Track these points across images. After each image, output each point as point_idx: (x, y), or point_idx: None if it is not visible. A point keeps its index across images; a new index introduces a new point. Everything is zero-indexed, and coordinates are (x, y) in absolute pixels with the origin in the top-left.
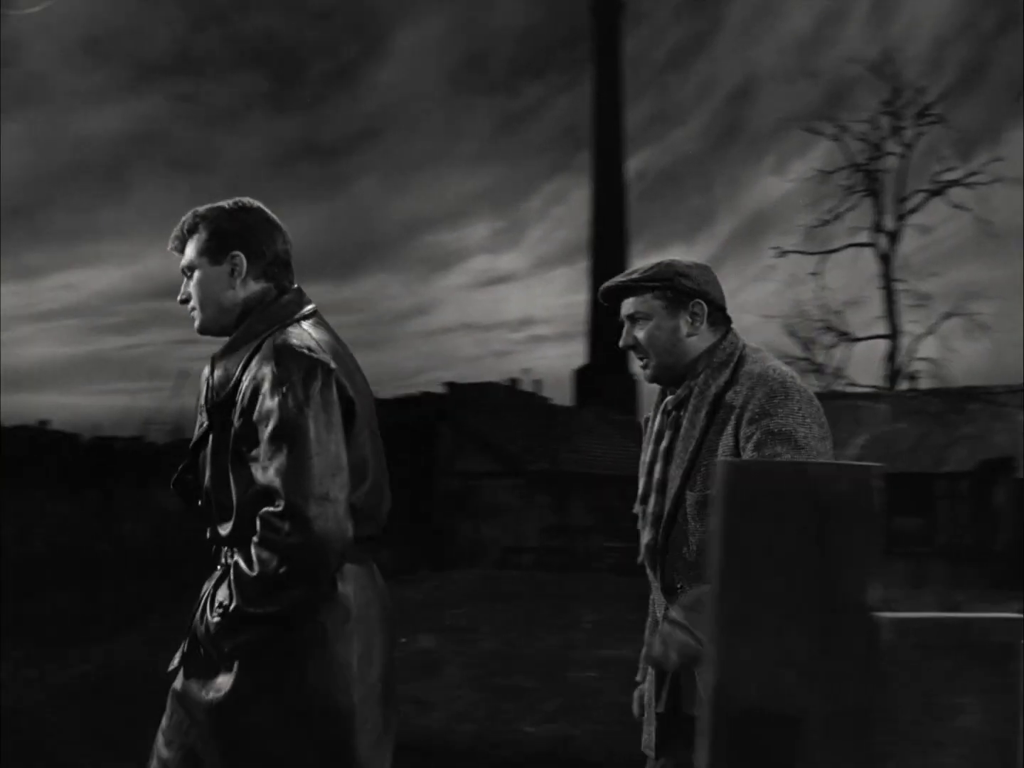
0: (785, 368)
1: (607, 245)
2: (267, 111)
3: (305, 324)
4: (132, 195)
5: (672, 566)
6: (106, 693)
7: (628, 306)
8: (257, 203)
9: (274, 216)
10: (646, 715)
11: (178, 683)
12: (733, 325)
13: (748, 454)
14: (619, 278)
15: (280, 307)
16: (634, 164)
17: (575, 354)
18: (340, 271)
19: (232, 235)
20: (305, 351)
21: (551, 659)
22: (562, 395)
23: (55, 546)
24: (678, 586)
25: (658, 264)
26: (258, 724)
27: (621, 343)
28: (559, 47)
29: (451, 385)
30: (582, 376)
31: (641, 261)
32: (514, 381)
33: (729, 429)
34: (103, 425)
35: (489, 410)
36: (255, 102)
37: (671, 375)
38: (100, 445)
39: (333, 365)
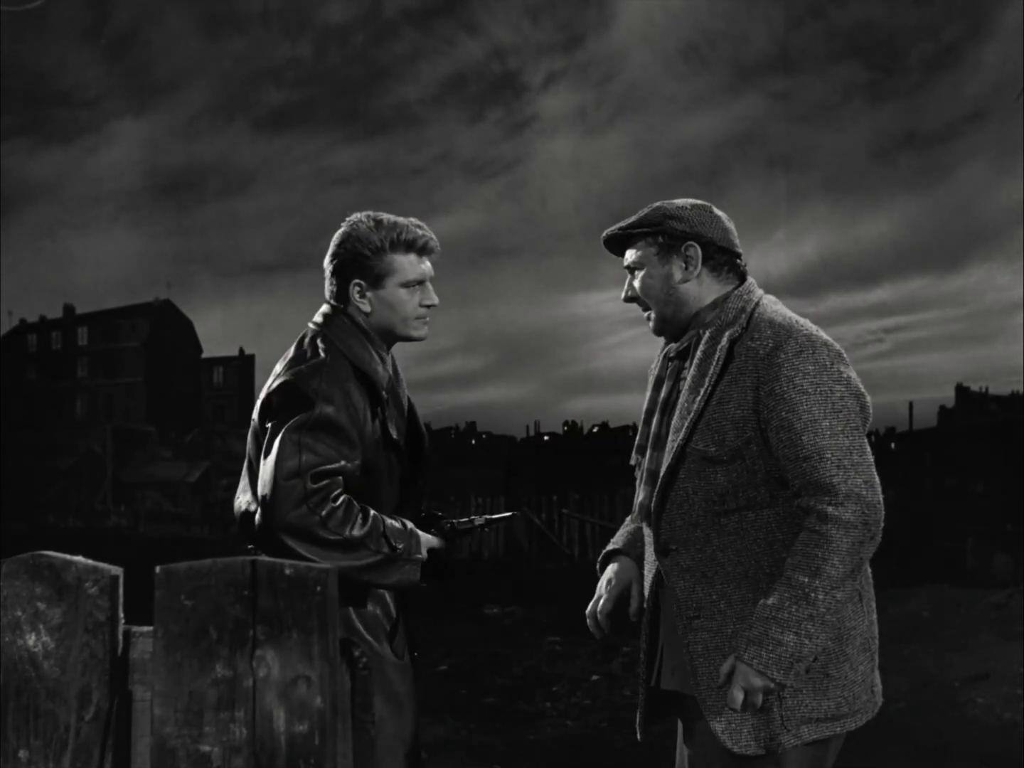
0: (808, 322)
1: None
2: (865, 102)
3: None
4: (730, 196)
5: (670, 526)
6: None
7: (626, 257)
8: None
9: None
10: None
11: None
12: (751, 278)
13: (770, 411)
14: (614, 227)
15: None
16: None
17: None
18: (943, 263)
19: None
20: None
21: None
22: None
23: None
24: (672, 547)
25: (649, 208)
26: None
27: (622, 296)
28: None
29: None
30: None
31: None
32: None
33: (747, 381)
34: None
35: None
36: (853, 94)
37: (673, 326)
38: None
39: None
